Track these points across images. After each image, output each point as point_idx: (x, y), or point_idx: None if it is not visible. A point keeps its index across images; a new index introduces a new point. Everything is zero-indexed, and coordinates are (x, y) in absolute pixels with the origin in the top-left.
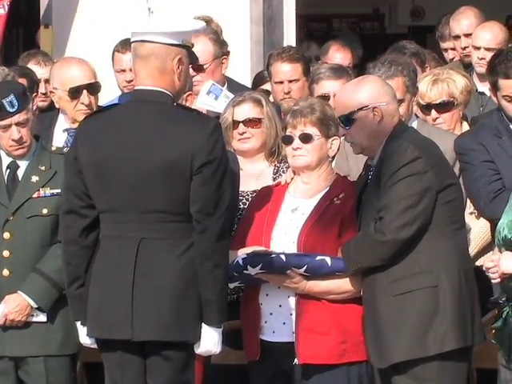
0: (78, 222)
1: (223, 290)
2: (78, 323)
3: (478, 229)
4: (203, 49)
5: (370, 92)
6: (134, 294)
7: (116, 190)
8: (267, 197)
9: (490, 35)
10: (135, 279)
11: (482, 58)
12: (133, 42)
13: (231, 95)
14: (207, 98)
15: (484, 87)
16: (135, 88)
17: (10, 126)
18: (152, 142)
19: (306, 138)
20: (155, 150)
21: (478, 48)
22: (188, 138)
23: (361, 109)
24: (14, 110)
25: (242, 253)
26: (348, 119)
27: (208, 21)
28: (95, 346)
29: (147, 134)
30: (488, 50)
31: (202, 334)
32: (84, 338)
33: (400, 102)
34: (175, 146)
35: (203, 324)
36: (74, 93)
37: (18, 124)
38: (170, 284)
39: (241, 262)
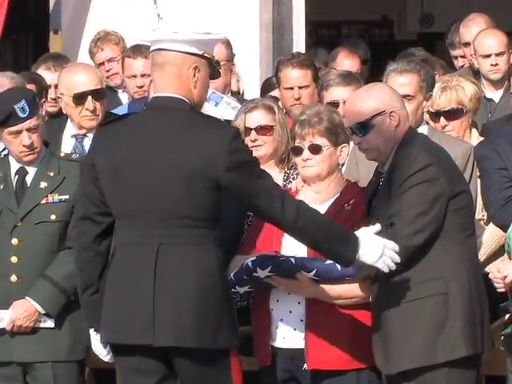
0: (92, 229)
1: None
2: (91, 330)
3: (486, 235)
4: (216, 50)
5: (383, 97)
6: (155, 300)
7: (134, 196)
8: None
9: (496, 40)
10: (156, 285)
11: (495, 64)
12: (152, 51)
13: (233, 102)
14: (207, 105)
15: (492, 94)
16: (152, 95)
17: (21, 131)
18: (171, 148)
19: (315, 149)
20: (174, 155)
21: (488, 56)
22: (208, 144)
23: (378, 114)
24: (26, 115)
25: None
26: (364, 126)
27: (102, 37)
28: (108, 356)
29: (166, 139)
30: (498, 55)
31: None
32: (97, 345)
33: (411, 98)
34: (194, 152)
35: None
36: (79, 98)
37: (28, 130)
38: (191, 290)
39: (250, 264)
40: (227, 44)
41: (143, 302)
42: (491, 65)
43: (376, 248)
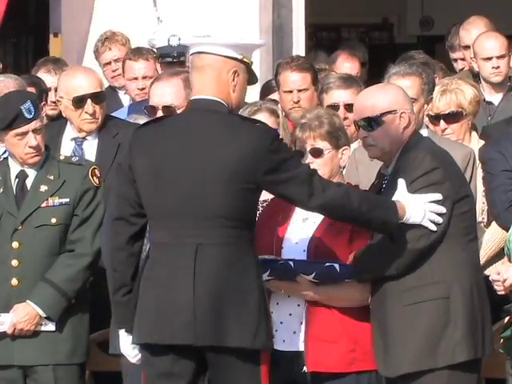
0: (126, 229)
1: None
2: (122, 331)
3: (487, 238)
4: None
5: (397, 97)
6: (195, 299)
7: (173, 196)
8: (278, 206)
9: (497, 43)
10: (195, 284)
11: (497, 67)
12: (191, 54)
13: None
14: None
15: (492, 97)
16: (191, 98)
17: (27, 133)
18: (210, 149)
19: (316, 153)
20: (214, 157)
21: (489, 58)
22: (248, 146)
23: (389, 112)
24: (32, 116)
25: None
26: (374, 121)
27: (107, 37)
28: (137, 358)
29: (205, 141)
30: (500, 57)
31: None
32: (127, 346)
33: (414, 101)
34: (234, 153)
35: None
36: (78, 102)
37: (34, 131)
38: (230, 289)
39: None
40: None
41: (183, 302)
42: (493, 67)
43: (419, 207)
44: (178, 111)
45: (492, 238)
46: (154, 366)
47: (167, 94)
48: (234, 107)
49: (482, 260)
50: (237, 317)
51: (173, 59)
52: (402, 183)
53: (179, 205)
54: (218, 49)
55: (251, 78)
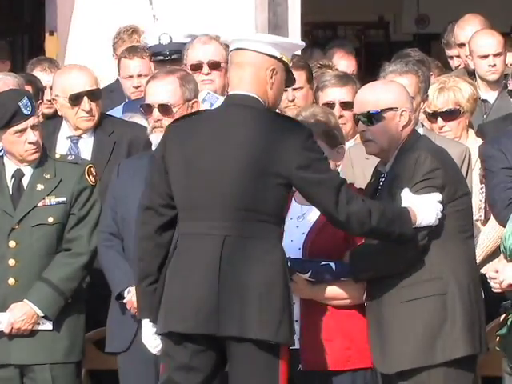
0: (155, 219)
1: None
2: (146, 321)
3: (483, 236)
4: (217, 49)
5: (399, 95)
6: (219, 290)
7: (204, 187)
8: None
9: (494, 41)
10: (220, 275)
11: (493, 65)
12: (231, 50)
13: None
14: (202, 106)
15: (487, 95)
16: (228, 93)
17: (25, 129)
18: (244, 143)
19: None
20: (247, 150)
21: (485, 56)
22: (282, 142)
23: (391, 109)
24: (29, 112)
25: None
26: (374, 117)
27: (134, 30)
28: (157, 348)
29: (239, 135)
30: (496, 55)
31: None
32: (149, 336)
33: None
34: (267, 148)
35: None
36: (75, 99)
37: (32, 127)
38: (254, 282)
39: None
40: (226, 45)
41: (208, 292)
42: (489, 65)
43: (430, 208)
44: (174, 110)
45: (488, 236)
46: (173, 358)
47: (163, 92)
48: (270, 105)
49: (479, 258)
50: (260, 310)
51: (164, 57)
52: (406, 190)
53: (209, 196)
54: (258, 45)
55: (289, 79)
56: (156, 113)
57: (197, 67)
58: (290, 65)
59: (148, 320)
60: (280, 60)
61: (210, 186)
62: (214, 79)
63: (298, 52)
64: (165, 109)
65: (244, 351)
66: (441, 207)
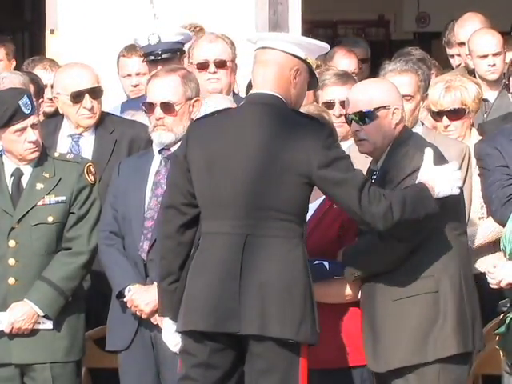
0: (177, 218)
1: None
2: (166, 319)
3: (489, 224)
4: (223, 48)
5: (391, 93)
6: (241, 289)
7: (226, 186)
8: None
9: (493, 40)
10: (242, 274)
11: (493, 65)
12: (256, 49)
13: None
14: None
15: (487, 94)
16: (251, 92)
17: (25, 128)
18: (266, 142)
19: None
20: (269, 149)
21: (485, 56)
22: (304, 140)
23: (383, 107)
24: (29, 111)
25: None
26: (367, 116)
27: (200, 28)
28: (178, 347)
29: (261, 133)
30: (495, 55)
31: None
32: (169, 334)
33: (410, 98)
34: (289, 147)
35: None
36: (76, 97)
37: (32, 126)
38: (276, 280)
39: None
40: (231, 44)
41: (229, 291)
42: (489, 65)
43: (445, 179)
44: (177, 108)
45: (494, 225)
46: (193, 355)
47: (165, 90)
48: (292, 104)
49: (478, 242)
50: (281, 308)
51: (156, 57)
52: (428, 155)
53: (232, 195)
54: (284, 45)
55: (312, 81)
56: (158, 111)
57: (203, 66)
58: (314, 67)
59: (168, 318)
60: (304, 61)
61: (232, 185)
62: (220, 78)
63: None
64: (167, 107)
65: (265, 349)
66: (458, 175)
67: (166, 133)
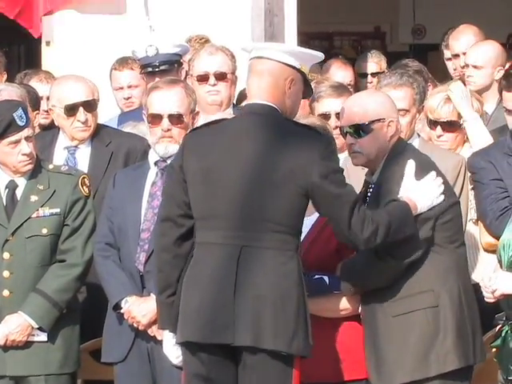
0: (173, 230)
1: None
2: (166, 332)
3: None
4: (223, 60)
5: (385, 105)
6: (235, 301)
7: (221, 197)
8: None
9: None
10: (237, 285)
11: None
12: (251, 58)
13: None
14: None
15: (485, 106)
16: (246, 102)
17: (19, 140)
18: (262, 152)
19: None
20: (265, 160)
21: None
22: (301, 150)
23: (378, 120)
24: (24, 123)
25: None
26: (362, 129)
27: (206, 40)
28: (179, 359)
29: (257, 144)
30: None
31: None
32: (169, 347)
33: (406, 112)
34: (286, 157)
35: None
36: (70, 110)
37: (26, 138)
38: (270, 292)
39: None
40: (232, 56)
41: (224, 302)
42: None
43: (426, 194)
44: (185, 119)
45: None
46: (192, 367)
47: (172, 102)
48: (288, 114)
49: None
50: (275, 321)
51: (153, 69)
52: (409, 169)
53: (227, 206)
54: (278, 55)
55: (307, 90)
56: (166, 122)
57: (203, 78)
58: (308, 76)
59: (167, 331)
60: (299, 70)
61: (227, 196)
62: (220, 90)
63: None
64: (176, 118)
65: (258, 361)
66: (438, 183)
67: (172, 144)
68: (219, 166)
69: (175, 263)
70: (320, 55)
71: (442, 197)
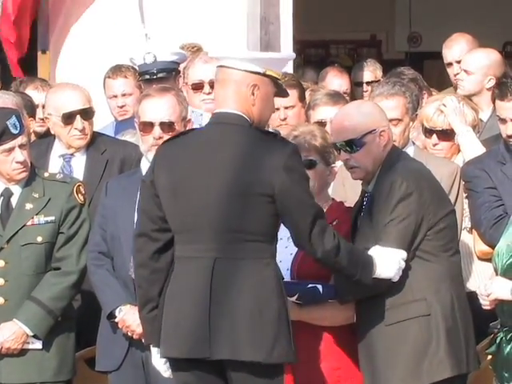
0: (149, 245)
1: None
2: (151, 346)
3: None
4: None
5: (374, 116)
6: (210, 314)
7: (192, 210)
8: None
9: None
10: (211, 298)
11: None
12: (217, 67)
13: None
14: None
15: (481, 113)
16: (214, 111)
17: (13, 148)
18: (229, 163)
19: (310, 165)
20: (232, 170)
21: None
22: (266, 159)
23: (369, 132)
24: (17, 131)
25: None
26: (355, 143)
27: (198, 48)
28: (168, 372)
29: (224, 154)
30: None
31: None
32: (157, 361)
33: (398, 121)
34: (252, 167)
35: None
36: (68, 118)
37: (20, 146)
38: (245, 303)
39: None
40: None
41: (199, 316)
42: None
43: (393, 262)
44: (177, 127)
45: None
46: (181, 380)
47: (164, 109)
48: (256, 121)
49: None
50: (252, 331)
51: (151, 76)
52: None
53: (198, 219)
54: (236, 63)
55: (279, 91)
56: (158, 131)
57: (198, 86)
58: (280, 77)
59: (152, 345)
60: (264, 75)
61: (197, 209)
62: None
63: (290, 70)
64: (167, 126)
65: (240, 374)
66: (403, 264)
67: None
68: (188, 179)
69: (154, 278)
70: (287, 56)
71: (397, 277)
